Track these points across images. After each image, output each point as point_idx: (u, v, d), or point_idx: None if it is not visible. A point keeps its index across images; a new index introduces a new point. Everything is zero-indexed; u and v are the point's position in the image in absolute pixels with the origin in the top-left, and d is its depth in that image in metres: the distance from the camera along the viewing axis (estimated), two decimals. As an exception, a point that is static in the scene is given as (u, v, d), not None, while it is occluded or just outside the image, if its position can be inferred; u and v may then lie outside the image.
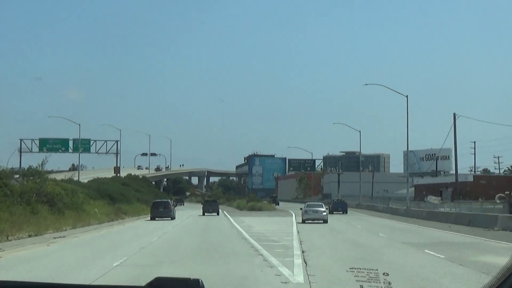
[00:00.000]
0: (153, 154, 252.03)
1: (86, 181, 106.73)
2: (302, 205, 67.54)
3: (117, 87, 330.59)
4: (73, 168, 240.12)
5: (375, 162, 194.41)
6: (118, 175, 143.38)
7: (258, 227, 54.69)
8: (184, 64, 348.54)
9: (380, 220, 72.22)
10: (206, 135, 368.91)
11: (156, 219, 71.13)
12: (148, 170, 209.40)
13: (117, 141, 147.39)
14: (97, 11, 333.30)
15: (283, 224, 60.82)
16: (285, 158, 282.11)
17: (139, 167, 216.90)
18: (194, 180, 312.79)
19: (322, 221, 58.71)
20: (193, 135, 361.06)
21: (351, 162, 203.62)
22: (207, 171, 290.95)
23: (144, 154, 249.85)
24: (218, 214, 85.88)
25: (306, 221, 59.06)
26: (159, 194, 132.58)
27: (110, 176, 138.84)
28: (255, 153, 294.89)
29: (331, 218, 69.40)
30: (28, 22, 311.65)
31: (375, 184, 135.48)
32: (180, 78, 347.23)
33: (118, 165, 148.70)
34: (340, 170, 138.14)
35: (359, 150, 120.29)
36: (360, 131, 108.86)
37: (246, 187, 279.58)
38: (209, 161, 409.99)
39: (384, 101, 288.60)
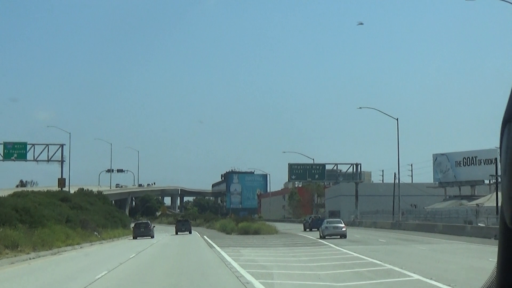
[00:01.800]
0: (120, 170, 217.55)
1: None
2: (300, 226, 70.07)
3: (90, 106, 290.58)
4: (21, 184, 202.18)
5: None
6: (63, 189, 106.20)
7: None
8: (157, 82, 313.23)
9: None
10: (180, 153, 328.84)
11: (138, 238, 72.94)
12: (109, 187, 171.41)
13: (62, 145, 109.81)
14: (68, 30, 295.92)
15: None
16: (266, 175, 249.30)
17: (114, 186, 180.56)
18: (167, 200, 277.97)
19: (340, 236, 57.57)
20: (166, 153, 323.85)
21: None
22: (181, 189, 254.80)
23: (110, 171, 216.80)
24: (190, 232, 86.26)
25: (326, 237, 58.02)
26: (113, 213, 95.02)
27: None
28: (233, 169, 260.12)
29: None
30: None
31: (396, 198, 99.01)
32: (152, 95, 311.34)
33: (64, 176, 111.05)
34: (360, 179, 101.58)
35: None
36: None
37: (224, 207, 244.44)
38: (184, 180, 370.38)
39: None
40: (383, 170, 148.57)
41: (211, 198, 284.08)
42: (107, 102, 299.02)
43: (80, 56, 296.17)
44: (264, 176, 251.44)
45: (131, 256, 37.98)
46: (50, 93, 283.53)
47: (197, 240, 64.43)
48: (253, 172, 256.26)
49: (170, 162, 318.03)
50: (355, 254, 34.89)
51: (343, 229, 58.39)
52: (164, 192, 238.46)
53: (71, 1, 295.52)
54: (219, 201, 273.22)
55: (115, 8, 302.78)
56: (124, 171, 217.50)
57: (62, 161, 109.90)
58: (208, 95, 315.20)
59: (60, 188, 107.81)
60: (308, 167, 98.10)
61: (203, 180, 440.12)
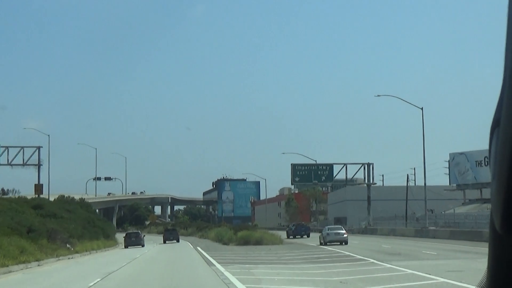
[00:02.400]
0: (108, 178, 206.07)
1: None
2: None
3: (78, 113, 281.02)
4: (3, 193, 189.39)
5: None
6: (40, 196, 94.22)
7: None
8: (145, 89, 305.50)
9: None
10: (170, 161, 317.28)
11: (129, 247, 74.48)
12: (95, 194, 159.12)
13: (38, 148, 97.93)
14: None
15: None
16: (258, 182, 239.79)
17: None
18: (157, 209, 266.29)
19: (341, 243, 56.82)
20: (156, 162, 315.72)
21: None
22: (171, 198, 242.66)
23: (98, 179, 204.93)
24: (178, 241, 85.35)
25: (328, 243, 57.30)
26: (94, 222, 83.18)
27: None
28: (225, 177, 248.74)
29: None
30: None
31: (413, 202, 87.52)
32: (140, 103, 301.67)
33: (43, 182, 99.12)
34: (373, 180, 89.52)
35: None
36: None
37: (216, 215, 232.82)
38: (174, 188, 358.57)
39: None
40: (383, 175, 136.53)
41: (203, 206, 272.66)
42: (95, 110, 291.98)
43: (68, 63, 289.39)
44: (257, 183, 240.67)
45: (93, 282, 26.18)
46: (37, 100, 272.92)
47: (190, 253, 52.87)
48: (246, 180, 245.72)
49: (160, 171, 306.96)
50: (422, 274, 23.63)
51: (345, 235, 58.32)
52: (153, 201, 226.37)
53: (60, 10, 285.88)
54: (210, 210, 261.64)
55: (102, 16, 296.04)
56: (112, 179, 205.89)
57: (39, 165, 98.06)
58: (197, 102, 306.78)
59: (37, 195, 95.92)
60: (313, 167, 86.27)
61: (194, 188, 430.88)
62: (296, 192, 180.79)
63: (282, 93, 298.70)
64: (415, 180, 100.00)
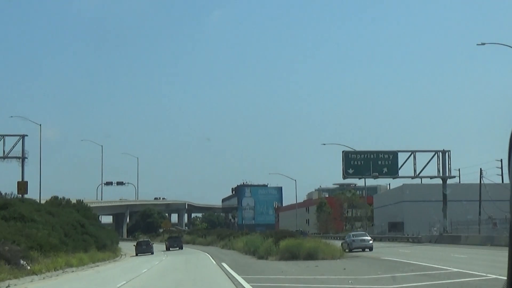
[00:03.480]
0: (120, 183, 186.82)
1: None
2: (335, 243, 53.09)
3: (95, 122, 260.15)
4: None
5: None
6: (24, 196, 74.35)
7: None
8: (164, 96, 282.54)
9: None
10: (188, 167, 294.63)
11: (138, 255, 74.27)
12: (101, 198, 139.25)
13: (22, 137, 78.02)
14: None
15: None
16: (281, 188, 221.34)
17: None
18: (174, 217, 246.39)
19: (364, 249, 54.40)
20: (173, 168, 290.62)
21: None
22: (188, 204, 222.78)
23: (109, 183, 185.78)
24: (181, 248, 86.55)
25: (353, 250, 53.80)
26: (85, 229, 62.95)
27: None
28: (245, 183, 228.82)
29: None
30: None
31: (490, 203, 66.39)
32: (159, 109, 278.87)
33: (37, 180, 79.38)
34: (450, 173, 67.94)
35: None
36: None
37: (236, 223, 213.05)
38: (192, 195, 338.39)
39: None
40: (459, 169, 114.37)
41: (222, 214, 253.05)
42: (111, 117, 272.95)
43: (80, 70, 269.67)
44: (279, 189, 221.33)
45: None
46: (56, 111, 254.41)
47: (212, 273, 32.43)
48: (267, 185, 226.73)
49: (177, 177, 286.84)
50: None
51: (370, 241, 55.85)
52: (169, 207, 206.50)
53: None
54: (230, 217, 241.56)
55: (120, 25, 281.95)
56: (124, 183, 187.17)
57: (23, 158, 78.16)
58: (216, 108, 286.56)
59: (20, 195, 76.04)
60: (372, 156, 64.88)
61: (212, 195, 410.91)
62: (326, 196, 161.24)
63: (302, 95, 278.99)
64: (502, 176, 78.78)
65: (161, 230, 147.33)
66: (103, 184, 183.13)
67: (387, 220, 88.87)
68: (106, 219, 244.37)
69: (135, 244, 79.94)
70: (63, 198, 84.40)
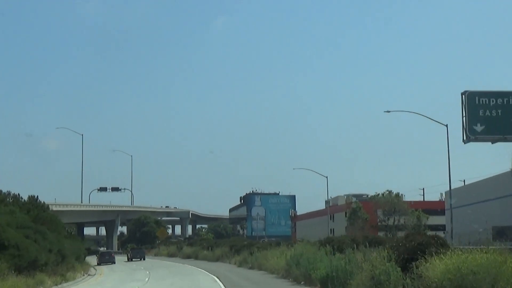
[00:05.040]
0: (116, 189, 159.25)
1: None
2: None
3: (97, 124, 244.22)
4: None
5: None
6: None
7: None
8: (168, 108, 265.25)
9: None
10: (192, 177, 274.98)
11: (101, 264, 76.19)
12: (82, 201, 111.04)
13: None
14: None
15: None
16: (294, 196, 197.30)
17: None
18: (177, 230, 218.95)
19: None
20: (177, 177, 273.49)
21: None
22: (192, 214, 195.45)
23: (103, 189, 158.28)
24: (144, 259, 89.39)
25: None
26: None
27: None
28: (254, 191, 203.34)
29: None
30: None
31: None
32: (166, 121, 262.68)
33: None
34: None
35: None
36: None
37: (245, 235, 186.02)
38: (196, 206, 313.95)
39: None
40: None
41: (230, 225, 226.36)
42: (109, 119, 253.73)
43: (83, 75, 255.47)
44: (292, 198, 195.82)
45: None
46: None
47: None
48: (278, 193, 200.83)
49: (181, 187, 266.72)
50: None
51: None
52: (170, 215, 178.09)
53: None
54: (238, 228, 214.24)
55: (123, 31, 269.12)
56: (120, 189, 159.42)
57: None
58: (223, 115, 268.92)
59: None
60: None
61: (218, 205, 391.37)
62: (354, 200, 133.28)
63: (308, 105, 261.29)
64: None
65: (158, 242, 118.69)
66: (99, 191, 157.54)
67: (471, 224, 59.52)
68: (91, 230, 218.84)
69: (98, 254, 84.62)
70: (9, 193, 56.72)
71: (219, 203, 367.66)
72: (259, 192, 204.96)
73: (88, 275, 53.71)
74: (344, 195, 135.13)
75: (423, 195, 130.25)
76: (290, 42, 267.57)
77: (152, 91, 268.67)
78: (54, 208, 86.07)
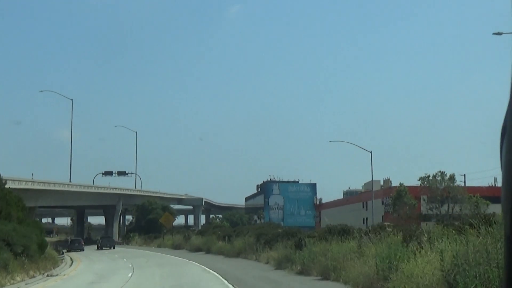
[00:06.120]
0: (122, 173, 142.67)
1: None
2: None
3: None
4: None
5: None
6: None
7: None
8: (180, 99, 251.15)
9: None
10: (207, 164, 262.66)
11: (71, 251, 78.41)
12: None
13: None
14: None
15: None
16: (314, 185, 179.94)
17: None
18: (190, 220, 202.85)
19: None
20: (190, 166, 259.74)
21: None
22: (206, 202, 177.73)
23: (108, 173, 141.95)
24: (113, 248, 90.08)
25: None
26: None
27: None
28: (272, 178, 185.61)
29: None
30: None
31: None
32: (179, 107, 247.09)
33: None
34: None
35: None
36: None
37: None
38: (210, 194, 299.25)
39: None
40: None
41: (246, 215, 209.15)
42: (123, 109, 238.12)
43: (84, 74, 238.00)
44: (313, 186, 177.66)
45: None
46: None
47: None
48: (298, 181, 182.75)
49: (194, 175, 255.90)
50: None
51: None
52: (181, 203, 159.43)
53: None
54: (255, 218, 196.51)
55: (132, 18, 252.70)
56: (127, 173, 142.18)
57: None
58: (239, 101, 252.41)
59: None
60: None
61: (233, 195, 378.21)
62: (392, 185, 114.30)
63: (327, 90, 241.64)
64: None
65: (164, 231, 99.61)
66: (104, 175, 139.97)
67: None
68: (97, 219, 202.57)
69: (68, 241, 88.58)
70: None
71: (233, 192, 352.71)
72: (277, 180, 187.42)
73: (47, 275, 35.08)
74: (383, 179, 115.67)
75: (464, 181, 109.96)
76: (308, 29, 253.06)
77: (167, 78, 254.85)
78: (29, 186, 67.68)
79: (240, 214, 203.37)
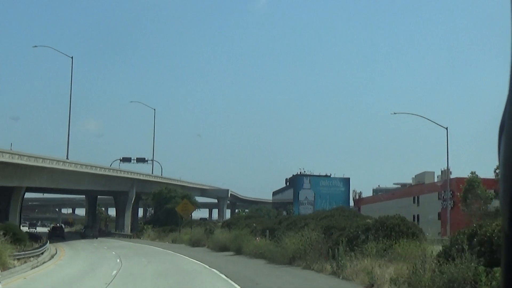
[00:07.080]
0: (141, 160, 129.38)
1: None
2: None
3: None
4: None
5: None
6: None
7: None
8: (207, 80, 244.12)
9: None
10: (231, 156, 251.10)
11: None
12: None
13: None
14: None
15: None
16: (348, 179, 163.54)
17: None
18: (214, 214, 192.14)
19: None
20: (217, 158, 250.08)
21: None
22: (231, 194, 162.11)
23: (126, 160, 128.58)
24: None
25: None
26: None
27: None
28: (302, 172, 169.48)
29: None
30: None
31: None
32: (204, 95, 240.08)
33: None
34: None
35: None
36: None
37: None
38: (235, 187, 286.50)
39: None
40: None
41: (273, 209, 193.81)
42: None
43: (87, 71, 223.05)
44: (346, 181, 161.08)
45: None
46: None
47: None
48: (330, 176, 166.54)
49: (219, 167, 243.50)
50: None
51: None
52: (205, 194, 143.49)
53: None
54: (284, 213, 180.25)
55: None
56: (147, 160, 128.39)
57: None
58: (266, 95, 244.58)
59: None
60: None
61: (261, 188, 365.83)
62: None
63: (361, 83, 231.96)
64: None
65: (182, 222, 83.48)
66: (121, 161, 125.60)
67: None
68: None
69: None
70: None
71: (260, 187, 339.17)
72: (308, 173, 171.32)
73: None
74: (441, 169, 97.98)
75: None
76: (336, 22, 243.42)
77: (193, 70, 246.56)
78: (6, 159, 52.03)
79: (267, 209, 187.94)
